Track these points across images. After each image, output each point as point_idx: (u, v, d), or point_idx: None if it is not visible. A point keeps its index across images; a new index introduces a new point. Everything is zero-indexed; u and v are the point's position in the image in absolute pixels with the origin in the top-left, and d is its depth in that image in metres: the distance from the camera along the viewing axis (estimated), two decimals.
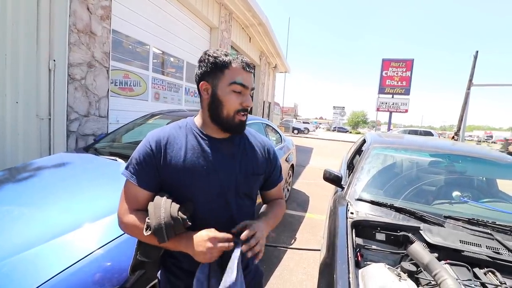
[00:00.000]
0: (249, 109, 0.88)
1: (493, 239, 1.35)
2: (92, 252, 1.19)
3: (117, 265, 1.21)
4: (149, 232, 0.75)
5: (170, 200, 0.79)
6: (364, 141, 2.86)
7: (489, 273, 1.19)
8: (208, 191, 0.85)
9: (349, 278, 1.09)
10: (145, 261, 0.88)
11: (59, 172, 1.99)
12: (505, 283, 1.11)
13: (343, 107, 50.16)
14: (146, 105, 5.28)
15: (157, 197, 0.81)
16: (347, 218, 1.52)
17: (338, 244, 1.32)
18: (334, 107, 51.34)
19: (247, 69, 0.85)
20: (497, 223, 1.46)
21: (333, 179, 2.09)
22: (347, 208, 1.63)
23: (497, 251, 1.27)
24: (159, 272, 0.98)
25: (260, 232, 0.82)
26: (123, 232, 1.29)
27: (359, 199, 1.73)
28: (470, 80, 15.55)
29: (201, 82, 0.87)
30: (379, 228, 1.46)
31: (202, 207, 0.84)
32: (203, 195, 0.85)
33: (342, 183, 2.06)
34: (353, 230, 1.44)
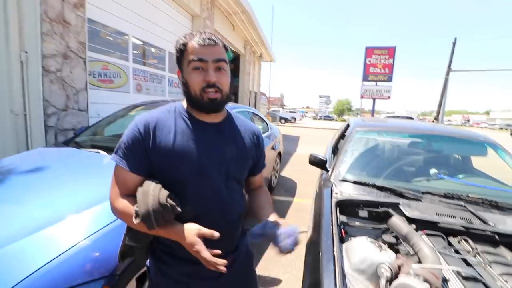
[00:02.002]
0: (216, 83, 0.82)
1: (466, 211, 1.44)
2: (78, 243, 1.18)
3: (105, 254, 1.21)
4: (139, 220, 0.73)
5: (159, 186, 0.78)
6: (348, 126, 2.93)
7: (462, 241, 1.27)
8: (198, 175, 0.83)
9: (333, 252, 1.14)
10: (134, 248, 0.88)
11: (39, 167, 1.92)
12: (476, 249, 1.20)
13: (329, 96, 50.76)
14: (128, 97, 5.14)
15: (146, 183, 0.80)
16: (331, 198, 1.58)
17: (324, 222, 1.37)
18: (320, 96, 51.86)
19: (204, 43, 0.81)
20: (470, 196, 1.56)
21: (318, 162, 2.14)
22: (331, 189, 1.68)
23: (470, 221, 1.36)
24: (148, 260, 0.97)
25: None
26: (109, 222, 1.31)
27: (343, 180, 1.78)
28: (449, 66, 16.04)
29: (177, 70, 0.90)
30: (361, 206, 1.53)
31: (192, 191, 0.83)
32: (193, 179, 0.83)
33: (327, 166, 2.12)
34: (337, 208, 1.49)
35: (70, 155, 2.13)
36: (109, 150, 2.12)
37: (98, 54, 4.50)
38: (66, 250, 1.14)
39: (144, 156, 0.82)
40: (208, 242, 0.75)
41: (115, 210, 0.83)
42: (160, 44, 6.32)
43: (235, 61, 13.99)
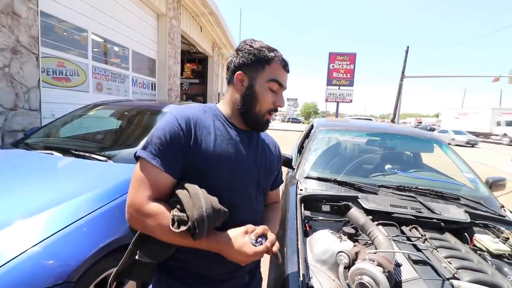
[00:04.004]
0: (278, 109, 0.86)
1: (416, 201, 1.58)
2: (26, 250, 1.08)
3: (59, 261, 1.13)
4: (183, 228, 0.62)
5: (205, 190, 0.69)
6: (312, 126, 3.05)
7: (413, 229, 1.39)
8: (233, 182, 0.78)
9: (297, 245, 1.18)
10: (135, 266, 0.74)
11: None
12: (425, 235, 1.32)
13: (296, 99, 52.16)
14: (87, 97, 4.83)
15: (190, 185, 0.69)
16: (296, 194, 1.63)
17: (289, 218, 1.41)
18: (288, 99, 53.07)
19: (286, 68, 0.83)
20: (419, 187, 1.71)
21: (284, 161, 2.20)
22: (297, 186, 1.74)
23: (419, 210, 1.49)
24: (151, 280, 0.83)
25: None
26: (63, 226, 1.22)
27: (307, 177, 1.85)
28: (403, 72, 17.41)
29: (238, 72, 0.80)
30: (324, 201, 1.60)
31: (226, 199, 0.74)
32: (228, 187, 0.77)
33: (292, 164, 2.18)
34: (302, 204, 1.55)
35: (19, 157, 1.95)
36: (65, 151, 1.98)
37: (53, 50, 4.17)
38: (13, 258, 1.04)
39: (182, 156, 0.73)
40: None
41: (144, 216, 0.68)
42: (124, 43, 6.04)
43: (203, 62, 13.83)
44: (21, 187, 1.52)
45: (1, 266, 1.01)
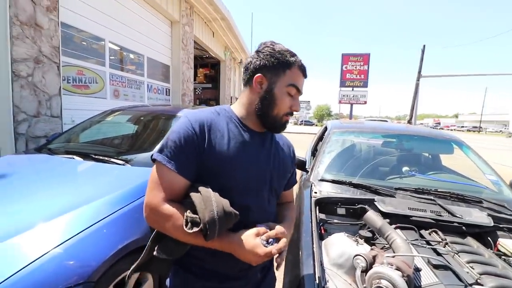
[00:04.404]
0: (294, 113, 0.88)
1: (435, 204, 1.53)
2: (48, 252, 1.12)
3: (79, 262, 1.17)
4: (195, 230, 0.66)
5: (217, 193, 0.72)
6: (326, 128, 3.02)
7: (433, 232, 1.35)
8: (246, 185, 0.80)
9: (313, 248, 1.17)
10: (152, 261, 0.80)
11: (7, 175, 1.82)
12: (445, 240, 1.27)
13: (309, 101, 51.77)
14: (105, 103, 4.99)
15: (203, 188, 0.72)
16: (311, 197, 1.61)
17: (303, 221, 1.40)
18: (300, 102, 52.61)
19: (305, 74, 0.85)
20: (438, 190, 1.66)
21: (298, 164, 2.18)
22: (311, 188, 1.72)
23: (439, 214, 1.44)
24: (167, 280, 0.88)
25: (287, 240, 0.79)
26: (83, 228, 1.26)
27: (322, 180, 1.83)
28: (419, 72, 16.96)
29: (258, 74, 0.81)
30: (339, 204, 1.58)
31: (239, 201, 0.76)
32: (241, 188, 0.79)
33: (306, 167, 2.17)
34: (317, 207, 1.53)
35: (42, 162, 2.04)
36: (85, 156, 2.05)
37: (72, 59, 4.35)
38: (36, 260, 1.09)
39: (196, 158, 0.75)
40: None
41: (160, 217, 0.72)
42: (139, 50, 6.22)
43: (215, 67, 14.01)
44: (44, 190, 1.58)
45: (26, 266, 1.05)
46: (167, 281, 0.88)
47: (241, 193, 0.79)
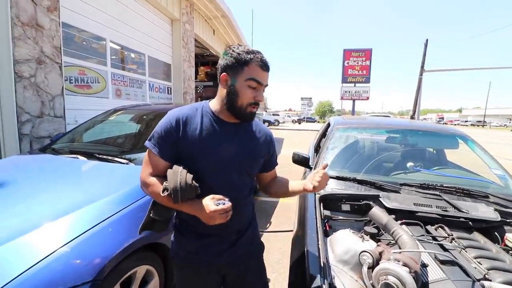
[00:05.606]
0: (259, 103, 1.00)
1: (441, 199, 1.52)
2: (56, 251, 1.13)
3: (86, 260, 1.18)
4: (166, 193, 0.88)
5: (185, 170, 0.92)
6: (328, 125, 3.01)
7: (439, 228, 1.34)
8: (216, 165, 0.97)
9: (318, 245, 1.16)
10: (154, 222, 1.04)
11: (13, 175, 1.84)
12: (452, 235, 1.26)
13: (310, 98, 51.50)
14: (107, 103, 5.00)
15: (175, 166, 0.94)
16: (315, 194, 1.61)
17: (308, 217, 1.40)
18: (302, 98, 52.39)
19: (264, 68, 0.96)
20: (444, 185, 1.64)
21: (301, 160, 2.18)
22: None
23: (445, 209, 1.43)
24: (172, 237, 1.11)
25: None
26: (89, 227, 1.27)
27: None
28: (422, 67, 16.79)
29: (223, 74, 0.96)
30: (344, 200, 1.57)
31: (210, 179, 0.96)
32: (211, 168, 0.97)
33: (310, 163, 2.16)
34: (321, 204, 1.53)
35: (47, 162, 2.05)
36: (89, 155, 2.06)
37: (74, 59, 4.36)
38: (43, 258, 1.09)
39: (173, 145, 0.96)
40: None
41: (145, 186, 0.98)
42: (140, 49, 6.20)
43: (216, 64, 13.95)
44: (49, 190, 1.59)
45: (34, 265, 1.06)
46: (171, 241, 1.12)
47: (211, 173, 0.97)
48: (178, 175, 0.90)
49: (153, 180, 0.97)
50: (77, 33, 4.44)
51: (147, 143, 1.00)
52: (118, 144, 2.52)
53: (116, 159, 1.97)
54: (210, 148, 0.96)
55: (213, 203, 0.88)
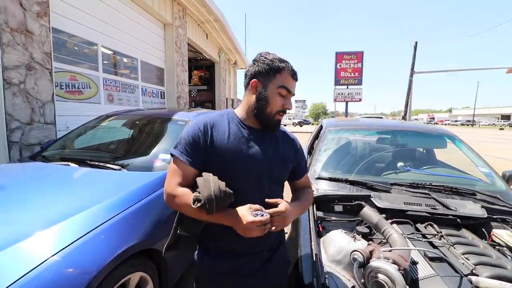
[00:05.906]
0: (287, 111, 1.01)
1: (430, 198, 1.55)
2: (46, 260, 1.11)
3: (78, 269, 1.16)
4: (198, 205, 0.81)
5: (216, 177, 0.88)
6: (321, 127, 3.04)
7: (428, 226, 1.37)
8: (245, 172, 0.94)
9: (311, 246, 1.18)
10: (179, 240, 0.98)
11: (1, 184, 1.80)
12: (441, 232, 1.29)
13: (304, 100, 51.85)
14: (99, 108, 4.96)
15: (205, 174, 0.90)
16: None
17: (301, 219, 1.41)
18: (296, 101, 52.61)
19: (294, 77, 0.98)
20: (433, 184, 1.68)
21: None
22: None
23: (434, 207, 1.46)
24: (195, 254, 1.04)
25: (286, 212, 0.90)
26: (80, 235, 1.25)
27: (319, 178, 1.85)
28: (412, 68, 17.10)
29: (253, 80, 0.96)
30: (336, 201, 1.59)
31: (240, 186, 0.92)
32: (241, 176, 0.94)
33: None
34: (314, 205, 1.54)
35: (37, 169, 2.02)
36: (80, 162, 2.04)
37: (65, 65, 4.32)
38: (34, 268, 1.07)
39: (202, 152, 0.93)
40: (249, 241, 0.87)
41: (173, 197, 0.91)
42: (132, 53, 6.18)
43: (210, 68, 13.99)
44: (39, 198, 1.56)
45: (24, 275, 1.04)
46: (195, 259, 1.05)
47: (241, 179, 0.93)
48: (211, 182, 0.85)
49: (182, 190, 0.90)
50: (68, 39, 4.41)
51: (173, 150, 0.96)
52: (111, 150, 2.50)
53: (108, 165, 1.95)
54: (240, 153, 0.93)
55: (250, 214, 0.83)
